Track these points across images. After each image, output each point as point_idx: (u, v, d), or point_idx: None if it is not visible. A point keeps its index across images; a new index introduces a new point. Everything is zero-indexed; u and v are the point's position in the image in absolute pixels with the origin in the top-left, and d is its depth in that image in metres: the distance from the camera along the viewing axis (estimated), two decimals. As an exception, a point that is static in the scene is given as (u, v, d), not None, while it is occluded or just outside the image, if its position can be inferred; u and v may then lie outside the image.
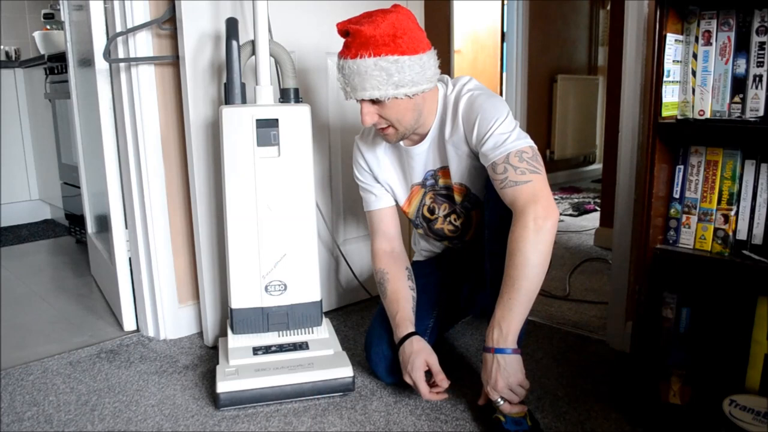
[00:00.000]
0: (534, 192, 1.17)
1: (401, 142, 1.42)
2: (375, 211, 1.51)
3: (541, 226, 1.15)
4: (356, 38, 1.20)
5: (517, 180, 1.19)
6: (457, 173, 1.39)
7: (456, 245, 1.55)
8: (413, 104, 1.28)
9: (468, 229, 1.48)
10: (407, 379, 1.30)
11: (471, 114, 1.28)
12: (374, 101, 1.25)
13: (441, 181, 1.44)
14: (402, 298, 1.41)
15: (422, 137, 1.39)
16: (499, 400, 1.19)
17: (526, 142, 1.22)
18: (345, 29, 1.23)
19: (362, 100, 1.25)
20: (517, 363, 1.19)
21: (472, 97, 1.30)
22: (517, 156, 1.20)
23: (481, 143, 1.25)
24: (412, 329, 1.35)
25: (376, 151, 1.48)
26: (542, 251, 1.16)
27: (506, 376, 1.17)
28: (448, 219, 1.48)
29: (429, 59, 1.26)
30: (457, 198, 1.42)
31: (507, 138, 1.22)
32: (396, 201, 1.51)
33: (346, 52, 1.23)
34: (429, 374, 1.29)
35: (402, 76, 1.21)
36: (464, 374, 1.47)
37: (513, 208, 1.19)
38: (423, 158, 1.42)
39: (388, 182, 1.49)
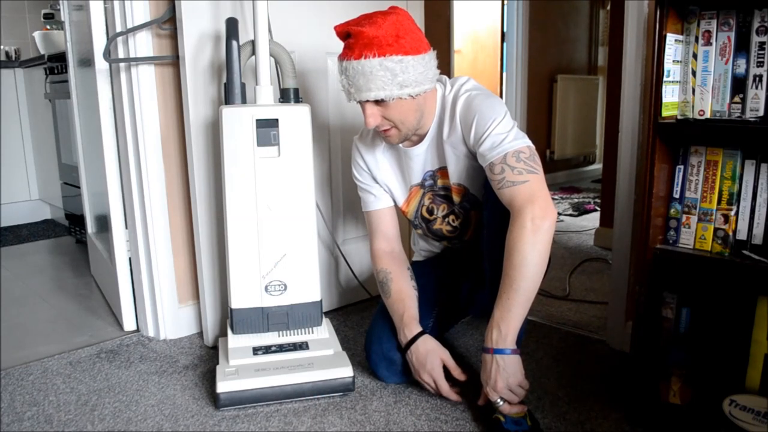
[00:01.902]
0: (531, 192, 1.17)
1: (400, 143, 1.42)
2: (374, 212, 1.51)
3: (539, 226, 1.15)
4: (359, 39, 1.20)
5: (515, 180, 1.19)
6: (455, 173, 1.39)
7: (455, 245, 1.55)
8: (416, 105, 1.28)
9: (466, 229, 1.48)
10: (426, 378, 1.31)
11: (468, 114, 1.28)
12: (378, 102, 1.25)
13: (440, 182, 1.44)
14: (407, 297, 1.42)
15: (421, 138, 1.39)
16: (499, 400, 1.19)
17: (524, 142, 1.22)
18: (346, 31, 1.23)
19: (366, 102, 1.25)
20: (516, 363, 1.19)
21: (470, 97, 1.30)
22: (515, 156, 1.20)
23: (479, 143, 1.25)
24: (420, 328, 1.36)
25: (374, 151, 1.48)
26: (540, 251, 1.16)
27: (505, 376, 1.17)
28: (446, 220, 1.48)
29: (430, 59, 1.26)
30: (456, 198, 1.42)
31: (504, 138, 1.22)
32: (394, 201, 1.51)
33: (349, 54, 1.22)
34: (445, 368, 1.30)
35: (406, 76, 1.21)
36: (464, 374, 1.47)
37: (510, 208, 1.19)
38: (422, 159, 1.42)
39: (386, 183, 1.49)
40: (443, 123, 1.35)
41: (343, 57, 1.25)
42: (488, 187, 1.28)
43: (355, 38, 1.21)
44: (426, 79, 1.25)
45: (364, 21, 1.22)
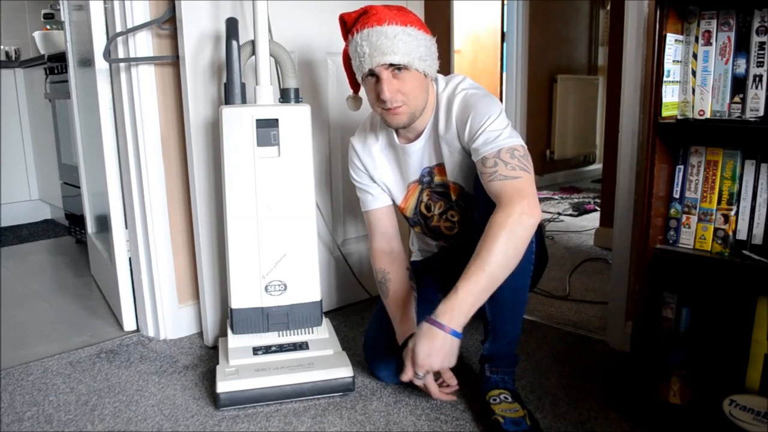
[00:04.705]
0: (522, 188, 1.17)
1: (397, 140, 1.42)
2: (372, 211, 1.51)
3: (525, 221, 1.14)
4: (379, 11, 1.24)
5: (507, 175, 1.19)
6: (451, 171, 1.39)
7: (451, 245, 1.55)
8: (426, 84, 1.30)
9: (464, 227, 1.48)
10: (416, 379, 1.30)
11: (464, 112, 1.29)
12: (396, 74, 1.24)
13: (437, 178, 1.44)
14: (404, 298, 1.41)
15: (418, 135, 1.39)
16: (422, 375, 1.19)
17: (518, 141, 1.23)
18: (362, 10, 1.27)
19: (385, 69, 1.24)
20: (457, 347, 1.17)
21: (466, 95, 1.31)
22: (509, 152, 1.21)
23: (473, 139, 1.25)
24: (415, 330, 1.35)
25: (371, 150, 1.48)
26: (516, 245, 1.14)
27: (450, 358, 1.16)
28: (444, 216, 1.48)
29: (436, 49, 1.30)
30: (453, 196, 1.43)
31: (499, 135, 1.22)
32: (393, 200, 1.51)
33: (371, 22, 1.23)
34: (437, 373, 1.29)
35: (424, 50, 1.25)
36: (464, 374, 1.46)
37: (498, 199, 1.18)
38: (419, 155, 1.42)
39: (384, 181, 1.49)
40: (439, 120, 1.35)
41: (361, 27, 1.25)
42: (478, 189, 1.28)
43: (375, 11, 1.25)
44: (435, 63, 1.29)
45: (377, 5, 1.26)
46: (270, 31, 1.50)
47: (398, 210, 1.53)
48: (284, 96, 1.52)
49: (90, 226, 2.31)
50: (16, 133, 3.38)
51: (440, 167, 1.41)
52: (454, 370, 1.31)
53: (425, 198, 1.48)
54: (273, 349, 1.43)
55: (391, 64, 1.23)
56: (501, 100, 3.84)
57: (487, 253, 1.13)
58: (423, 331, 1.16)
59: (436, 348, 1.14)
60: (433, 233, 1.54)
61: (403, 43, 1.22)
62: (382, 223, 1.51)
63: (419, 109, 1.32)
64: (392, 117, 1.31)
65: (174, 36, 1.62)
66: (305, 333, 1.50)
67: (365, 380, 1.47)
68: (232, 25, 1.45)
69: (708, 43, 1.19)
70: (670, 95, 1.22)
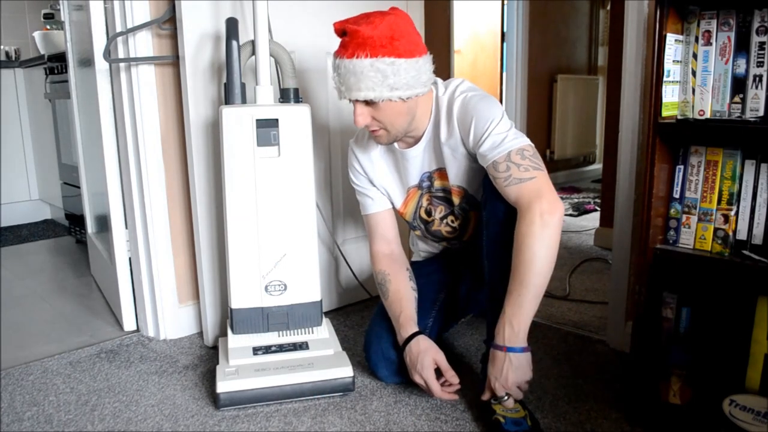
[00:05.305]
0: (538, 188, 1.18)
1: (396, 145, 1.42)
2: (372, 215, 1.51)
3: (548, 221, 1.15)
4: (354, 38, 1.20)
5: (521, 177, 1.19)
6: (456, 176, 1.38)
7: (454, 246, 1.55)
8: (406, 108, 1.28)
9: (465, 230, 1.48)
10: (417, 379, 1.30)
11: (466, 116, 1.28)
12: (368, 102, 1.25)
13: (437, 183, 1.44)
14: (404, 298, 1.41)
15: (417, 140, 1.39)
16: (505, 396, 1.20)
17: (525, 141, 1.23)
18: (342, 29, 1.23)
19: (356, 101, 1.25)
20: (527, 361, 1.20)
21: (466, 99, 1.30)
22: (519, 154, 1.21)
23: (479, 144, 1.25)
24: (416, 329, 1.36)
25: (371, 154, 1.48)
26: (549, 246, 1.16)
27: (517, 374, 1.18)
28: (445, 221, 1.48)
29: (425, 63, 1.25)
30: (455, 200, 1.42)
31: (505, 137, 1.22)
32: (392, 204, 1.51)
33: (343, 52, 1.23)
34: (438, 373, 1.30)
35: (397, 78, 1.21)
36: (464, 374, 1.46)
37: (518, 205, 1.19)
38: (419, 160, 1.42)
39: (383, 185, 1.49)
40: (440, 125, 1.34)
41: (337, 54, 1.25)
42: (486, 188, 1.28)
43: (350, 37, 1.21)
44: (418, 84, 1.25)
45: (362, 20, 1.22)
46: (270, 31, 1.50)
47: (398, 214, 1.53)
48: (284, 96, 1.52)
49: (90, 226, 2.31)
50: (16, 133, 3.38)
51: (440, 172, 1.41)
52: (455, 369, 1.31)
53: (425, 203, 1.48)
54: (273, 349, 1.43)
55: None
56: (501, 100, 3.84)
57: (524, 266, 1.16)
58: (493, 358, 1.22)
59: (498, 369, 1.20)
60: (435, 237, 1.54)
61: (370, 80, 1.20)
62: (381, 226, 1.51)
63: (400, 132, 1.32)
64: (374, 137, 1.35)
65: (174, 36, 1.62)
66: (305, 333, 1.50)
67: (365, 380, 1.47)
68: (232, 25, 1.45)
69: (708, 43, 1.19)
70: (670, 95, 1.22)
